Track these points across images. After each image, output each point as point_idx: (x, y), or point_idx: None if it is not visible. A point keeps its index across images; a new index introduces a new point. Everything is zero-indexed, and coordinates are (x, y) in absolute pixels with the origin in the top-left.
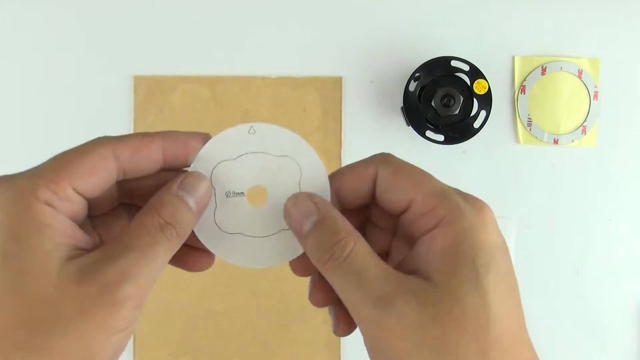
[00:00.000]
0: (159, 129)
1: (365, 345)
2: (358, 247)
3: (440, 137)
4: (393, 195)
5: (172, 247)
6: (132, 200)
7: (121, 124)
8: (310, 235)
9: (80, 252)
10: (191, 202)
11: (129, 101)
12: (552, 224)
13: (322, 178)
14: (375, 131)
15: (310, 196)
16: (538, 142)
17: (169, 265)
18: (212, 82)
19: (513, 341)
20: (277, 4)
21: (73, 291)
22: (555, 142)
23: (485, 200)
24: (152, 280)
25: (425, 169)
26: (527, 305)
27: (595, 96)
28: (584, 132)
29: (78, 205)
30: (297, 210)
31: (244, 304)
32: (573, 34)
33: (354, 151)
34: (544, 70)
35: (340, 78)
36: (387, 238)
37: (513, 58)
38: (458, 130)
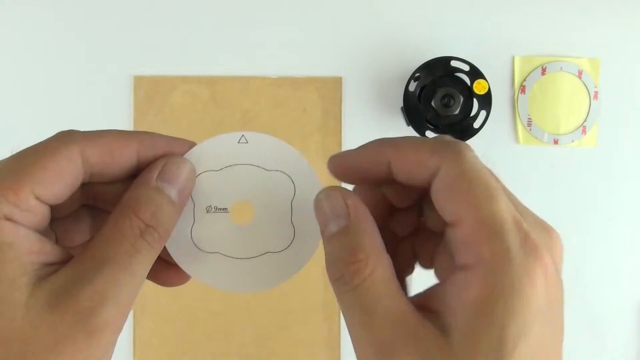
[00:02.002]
0: (159, 129)
1: None
2: (375, 277)
3: None
4: (445, 204)
5: (155, 253)
6: (97, 203)
7: (121, 124)
8: (332, 241)
9: (49, 268)
10: (173, 193)
11: (129, 101)
12: (552, 224)
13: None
14: (375, 131)
15: (345, 195)
16: (538, 142)
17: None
18: (212, 82)
19: None
20: (277, 4)
21: (45, 322)
22: (555, 142)
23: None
24: (134, 298)
25: None
26: None
27: (595, 96)
28: (584, 132)
29: (42, 215)
30: (329, 206)
31: (244, 304)
32: (573, 34)
33: None
34: (544, 70)
35: (340, 78)
36: (437, 242)
37: (513, 58)
38: (458, 130)
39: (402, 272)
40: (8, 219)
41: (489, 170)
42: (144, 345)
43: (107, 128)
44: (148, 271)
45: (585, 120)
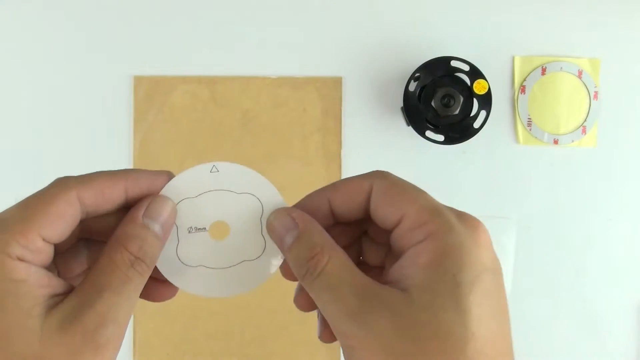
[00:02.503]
0: (159, 129)
1: (344, 356)
2: (333, 262)
3: (440, 137)
4: (386, 208)
5: (144, 279)
6: (92, 236)
7: (121, 124)
8: (291, 251)
9: (57, 298)
10: (157, 228)
11: (129, 101)
12: (552, 224)
13: None
14: (375, 131)
15: (289, 211)
16: (538, 142)
17: None
18: (212, 82)
19: None
20: (277, 4)
21: (57, 343)
22: (555, 142)
23: (484, 202)
24: (130, 316)
25: (425, 169)
26: (527, 306)
27: (595, 96)
28: (584, 132)
29: (47, 254)
30: (279, 225)
31: (244, 304)
32: (573, 34)
33: (354, 151)
34: (544, 70)
35: (340, 78)
36: (383, 252)
37: (513, 58)
38: (458, 130)
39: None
40: (20, 259)
41: None
42: (144, 345)
43: (108, 128)
44: (139, 294)
45: (585, 120)
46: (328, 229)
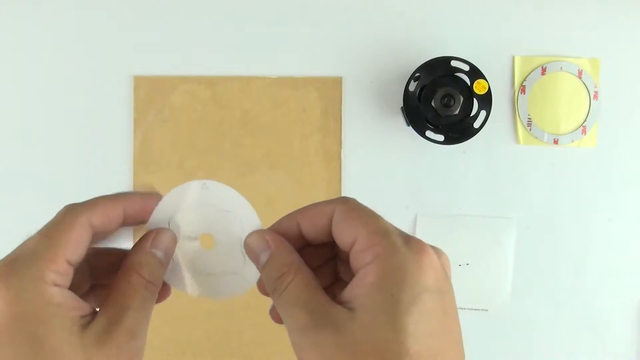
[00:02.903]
0: (159, 129)
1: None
2: (296, 281)
3: (440, 137)
4: (343, 231)
5: (154, 299)
6: (98, 281)
7: (121, 124)
8: (264, 270)
9: (86, 319)
10: (160, 255)
11: (129, 101)
12: (552, 224)
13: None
14: (375, 131)
15: (264, 233)
16: (538, 142)
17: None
18: (212, 82)
19: None
20: (277, 4)
21: (98, 355)
22: (555, 142)
23: (484, 202)
24: (147, 329)
25: (425, 169)
26: (527, 306)
27: (595, 96)
28: (584, 132)
29: (70, 276)
30: (255, 246)
31: (244, 304)
32: (573, 34)
33: (354, 151)
34: (544, 70)
35: (340, 78)
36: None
37: (513, 58)
38: (458, 130)
39: (325, 284)
40: (55, 284)
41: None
42: None
43: (108, 128)
44: (153, 309)
45: (585, 120)
46: (303, 249)
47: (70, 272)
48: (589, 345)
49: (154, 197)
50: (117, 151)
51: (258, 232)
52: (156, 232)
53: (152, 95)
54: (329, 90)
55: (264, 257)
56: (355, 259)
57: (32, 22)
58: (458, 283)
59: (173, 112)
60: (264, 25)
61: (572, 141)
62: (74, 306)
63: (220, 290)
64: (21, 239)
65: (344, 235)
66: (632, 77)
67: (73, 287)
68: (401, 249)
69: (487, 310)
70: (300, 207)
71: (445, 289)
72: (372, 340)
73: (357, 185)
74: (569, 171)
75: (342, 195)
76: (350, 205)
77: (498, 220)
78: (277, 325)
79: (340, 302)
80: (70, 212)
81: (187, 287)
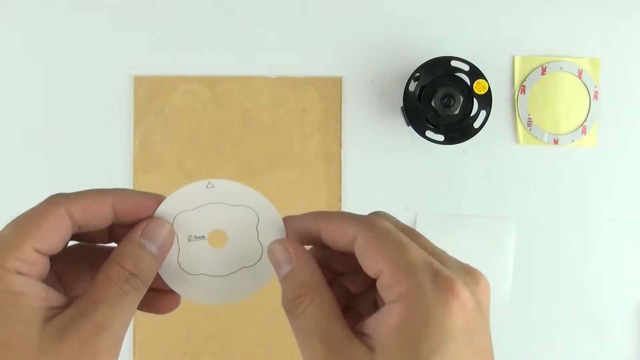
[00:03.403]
0: (159, 129)
1: None
2: (314, 306)
3: (440, 137)
4: (366, 262)
5: (139, 294)
6: (94, 257)
7: (121, 124)
8: (283, 283)
9: (55, 310)
10: (153, 248)
11: (129, 101)
12: (552, 223)
13: (277, 222)
14: (375, 131)
15: (286, 245)
16: (538, 142)
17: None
18: (212, 82)
19: None
20: (277, 4)
21: (55, 350)
22: (555, 142)
23: (484, 202)
24: (126, 327)
25: (425, 169)
26: (528, 305)
27: (595, 96)
28: (584, 132)
29: (43, 266)
30: (278, 256)
31: (244, 304)
32: (573, 34)
33: (354, 151)
34: (544, 70)
35: (340, 78)
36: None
37: (513, 58)
38: (458, 130)
39: (352, 301)
40: (18, 272)
41: (403, 229)
42: (144, 345)
43: (108, 128)
44: (136, 306)
45: (585, 120)
46: (328, 252)
47: (41, 261)
48: (589, 345)
49: (152, 197)
50: (117, 151)
51: (281, 242)
52: (148, 221)
53: (152, 95)
54: (329, 90)
55: (284, 270)
56: (381, 292)
57: (32, 22)
58: None
59: (173, 112)
60: (264, 25)
61: (572, 141)
62: (39, 296)
63: (236, 292)
64: None
65: (367, 267)
66: (632, 77)
67: (67, 282)
68: (427, 289)
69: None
70: (300, 207)
71: (476, 331)
72: None
73: (357, 185)
74: (569, 171)
75: (343, 194)
76: (375, 233)
77: (498, 220)
78: (277, 325)
79: (360, 333)
80: (49, 200)
81: (198, 295)
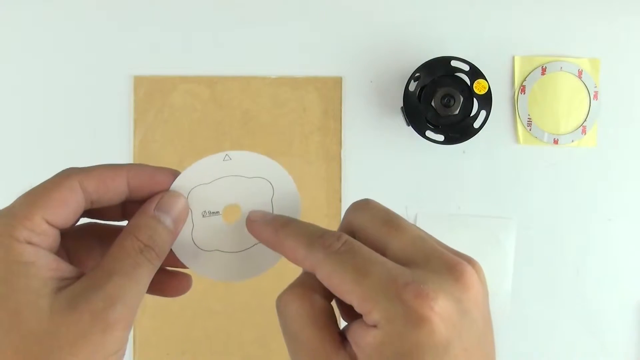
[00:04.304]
0: (159, 129)
1: None
2: (307, 315)
3: (440, 137)
4: (336, 294)
5: (153, 267)
6: (106, 234)
7: (121, 124)
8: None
9: (66, 282)
10: (168, 221)
11: (129, 101)
12: (552, 224)
13: (293, 194)
14: (375, 131)
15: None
16: (538, 142)
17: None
18: (212, 82)
19: None
20: (277, 4)
21: (66, 321)
22: (555, 142)
23: (484, 202)
24: (139, 300)
25: (425, 169)
26: (527, 305)
27: (595, 96)
28: (584, 132)
29: (54, 238)
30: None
31: (244, 304)
32: (573, 34)
33: (354, 151)
34: (544, 70)
35: (340, 78)
36: None
37: (513, 58)
38: (458, 130)
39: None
40: (28, 242)
41: (383, 221)
42: (144, 345)
43: (108, 128)
44: (150, 280)
45: (585, 120)
46: None
47: (52, 233)
48: (589, 345)
49: (168, 171)
50: (117, 151)
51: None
52: (162, 194)
53: (152, 95)
54: (329, 90)
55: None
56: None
57: (32, 22)
58: None
59: (173, 112)
60: (264, 25)
61: (572, 141)
62: (50, 267)
63: (249, 269)
64: None
65: (342, 298)
66: (632, 77)
67: (77, 260)
68: (396, 315)
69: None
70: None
71: (458, 337)
72: None
73: (357, 185)
74: (569, 171)
75: (343, 194)
76: (330, 267)
77: (498, 220)
78: (277, 325)
79: (349, 337)
80: (63, 173)
81: (212, 272)
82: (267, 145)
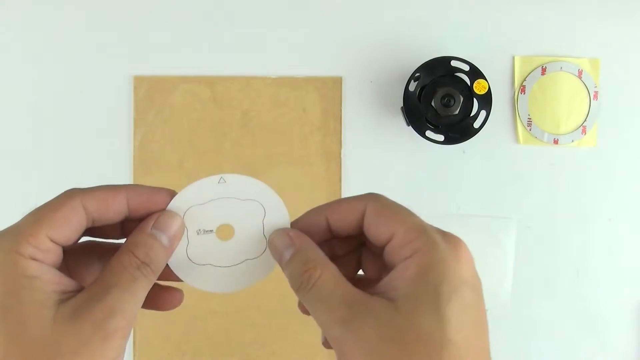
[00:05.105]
0: (159, 129)
1: (336, 355)
2: (325, 276)
3: (440, 137)
4: (378, 228)
5: (150, 281)
6: (104, 252)
7: (121, 124)
8: (288, 266)
9: (68, 295)
10: (164, 239)
11: (129, 101)
12: (552, 224)
13: (283, 216)
14: (375, 131)
15: (288, 231)
16: (538, 142)
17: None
18: (212, 82)
19: None
20: (277, 4)
21: (68, 331)
22: (555, 142)
23: (484, 202)
24: (136, 312)
25: (425, 169)
26: (527, 305)
27: (595, 96)
28: (584, 132)
29: (57, 254)
30: (278, 243)
31: (244, 304)
32: (573, 34)
33: (354, 151)
34: (544, 70)
35: (340, 78)
36: (380, 264)
37: (513, 58)
38: (458, 130)
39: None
40: (32, 258)
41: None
42: (144, 345)
43: (108, 128)
44: (146, 293)
45: (585, 120)
46: (326, 241)
47: (55, 250)
48: (589, 345)
49: (165, 191)
50: (117, 151)
51: (281, 230)
52: (159, 214)
53: (152, 95)
54: (329, 90)
55: (287, 254)
56: (393, 254)
57: (32, 22)
58: None
59: (173, 112)
60: (264, 25)
61: (572, 141)
62: (53, 281)
63: (238, 282)
64: None
65: (379, 232)
66: (632, 77)
67: (77, 276)
68: (440, 244)
69: (487, 310)
70: (300, 207)
71: (478, 284)
72: (415, 328)
73: (357, 185)
74: (569, 171)
75: (343, 194)
76: (382, 203)
77: (498, 220)
78: (277, 325)
79: (375, 294)
80: (66, 194)
81: (203, 284)
82: (267, 145)
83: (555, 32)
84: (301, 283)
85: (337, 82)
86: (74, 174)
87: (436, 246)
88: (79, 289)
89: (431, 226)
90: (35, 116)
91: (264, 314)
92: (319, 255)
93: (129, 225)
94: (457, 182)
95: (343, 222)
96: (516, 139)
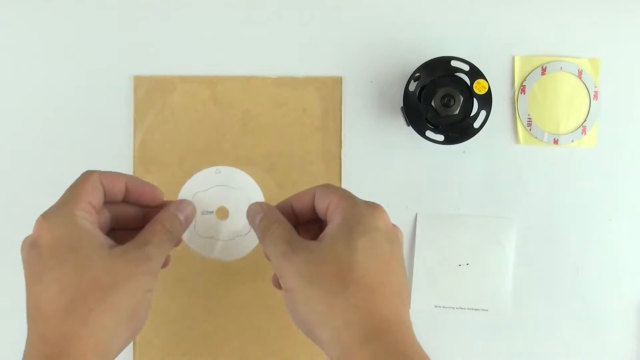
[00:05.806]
0: (159, 129)
1: (280, 282)
2: (279, 228)
3: (440, 137)
4: (321, 201)
5: (171, 244)
6: (117, 225)
7: (121, 124)
8: (258, 225)
9: (115, 245)
10: (182, 217)
11: (129, 101)
12: (552, 224)
13: (260, 199)
14: (375, 131)
15: (260, 203)
16: (538, 142)
17: (168, 267)
18: (212, 82)
19: (374, 287)
20: (276, 4)
21: (120, 263)
22: (555, 142)
23: (484, 202)
24: (161, 261)
25: (425, 169)
26: (527, 305)
27: (595, 96)
28: (584, 132)
29: (95, 216)
30: (252, 210)
31: (244, 304)
32: (573, 34)
33: (354, 151)
34: (544, 70)
35: (340, 78)
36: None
37: (513, 58)
38: (458, 130)
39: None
40: (83, 218)
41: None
42: (144, 345)
43: (108, 128)
44: (169, 252)
45: (585, 120)
46: (296, 227)
47: (93, 211)
48: (589, 345)
49: (154, 187)
50: (117, 151)
51: (257, 203)
52: (181, 201)
53: (152, 95)
54: (329, 90)
55: (258, 218)
56: (329, 217)
57: (31, 21)
58: (458, 283)
59: (173, 112)
60: (264, 25)
61: (572, 141)
62: (100, 234)
63: (230, 252)
64: (20, 240)
65: (321, 203)
66: (632, 77)
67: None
68: (360, 204)
69: (487, 310)
70: None
71: (394, 238)
72: (332, 255)
73: (357, 185)
74: (569, 171)
75: None
76: (327, 185)
77: (498, 220)
78: (277, 325)
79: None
80: (88, 172)
81: (205, 251)
82: (267, 145)
83: (555, 32)
84: (264, 234)
85: (337, 82)
86: (74, 174)
87: (357, 205)
88: (114, 243)
89: (359, 198)
90: (35, 116)
91: (264, 314)
92: (279, 216)
93: (149, 214)
94: (457, 182)
95: (301, 203)
96: (516, 139)
